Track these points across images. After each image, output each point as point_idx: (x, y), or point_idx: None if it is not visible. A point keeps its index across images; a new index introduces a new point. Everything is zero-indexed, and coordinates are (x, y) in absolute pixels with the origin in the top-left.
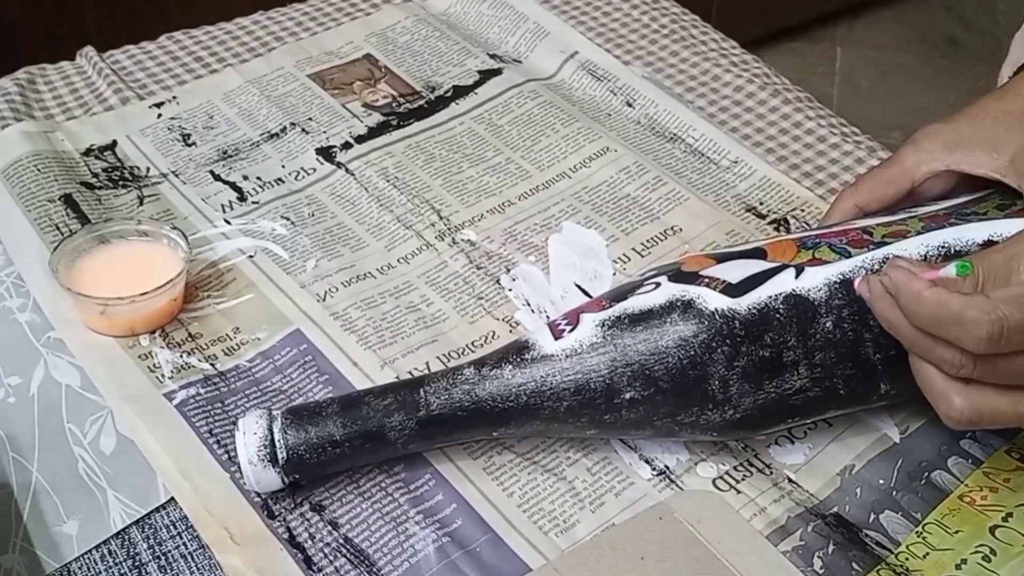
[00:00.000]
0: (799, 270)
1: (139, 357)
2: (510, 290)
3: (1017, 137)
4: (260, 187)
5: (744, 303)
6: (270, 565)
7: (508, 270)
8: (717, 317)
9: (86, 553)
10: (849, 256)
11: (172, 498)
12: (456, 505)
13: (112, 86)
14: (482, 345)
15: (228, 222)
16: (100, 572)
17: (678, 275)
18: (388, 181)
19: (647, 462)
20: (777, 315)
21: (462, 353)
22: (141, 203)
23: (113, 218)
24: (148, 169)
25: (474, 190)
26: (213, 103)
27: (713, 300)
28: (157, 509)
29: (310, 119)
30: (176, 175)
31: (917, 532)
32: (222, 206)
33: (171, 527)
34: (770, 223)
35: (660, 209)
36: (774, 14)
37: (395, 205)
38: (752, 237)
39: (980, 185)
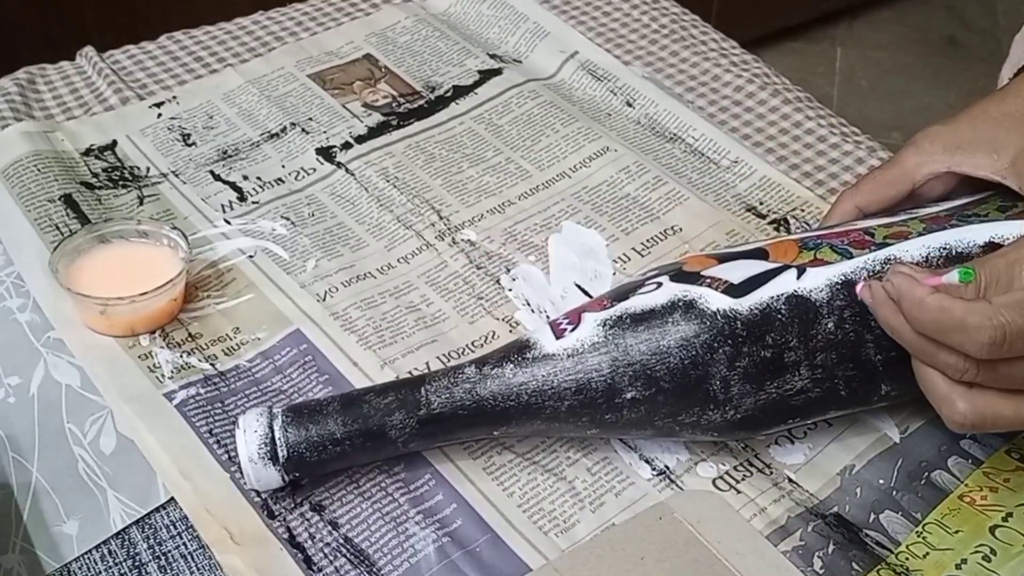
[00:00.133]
0: (801, 271)
1: (139, 357)
2: (510, 290)
3: (1018, 139)
4: (260, 187)
5: (746, 303)
6: (270, 565)
7: (508, 270)
8: (719, 317)
9: (86, 553)
10: (851, 257)
11: (172, 498)
12: (456, 505)
13: (112, 86)
14: (482, 345)
15: (228, 222)
16: (100, 572)
17: (680, 275)
18: (388, 181)
19: (647, 462)
20: (779, 316)
21: (462, 353)
22: (141, 203)
23: (113, 218)
24: (148, 169)
25: (474, 190)
26: (213, 103)
27: (715, 300)
28: (157, 509)
29: (310, 119)
30: (176, 175)
31: (917, 532)
32: (222, 206)
33: (171, 527)
34: (770, 223)
35: (660, 209)
36: (774, 14)
37: (395, 205)
38: (752, 237)
39: (981, 187)
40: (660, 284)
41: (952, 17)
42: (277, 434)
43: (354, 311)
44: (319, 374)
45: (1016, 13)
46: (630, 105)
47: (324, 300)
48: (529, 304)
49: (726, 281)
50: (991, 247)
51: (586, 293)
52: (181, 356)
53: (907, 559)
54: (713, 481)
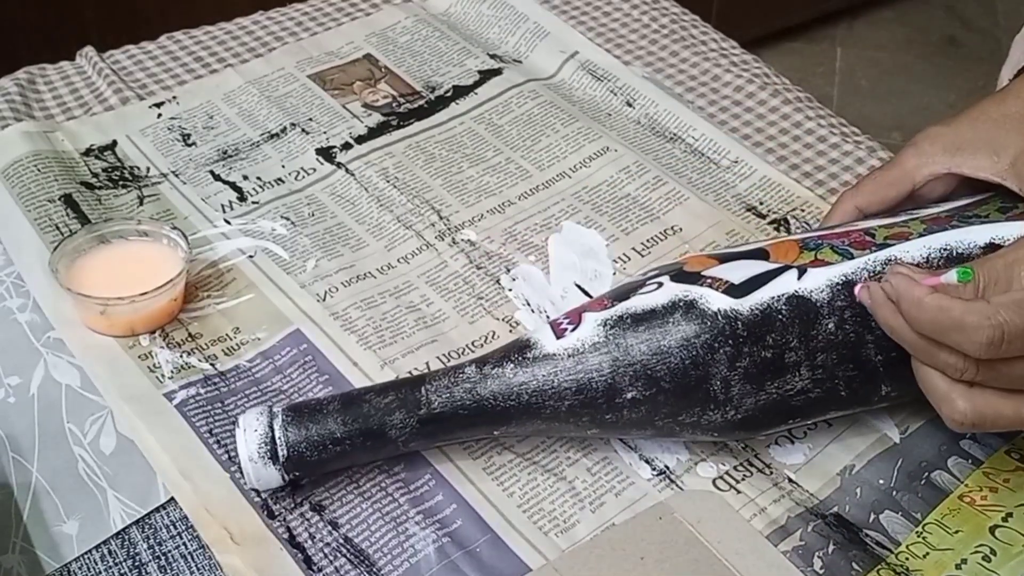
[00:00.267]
0: (801, 271)
1: (139, 357)
2: (510, 290)
3: (1018, 140)
4: (260, 187)
5: (746, 304)
6: (270, 565)
7: (508, 270)
8: (719, 317)
9: (86, 553)
10: (851, 257)
11: (172, 498)
12: (456, 505)
13: (112, 86)
14: (482, 345)
15: (228, 222)
16: (100, 572)
17: (680, 275)
18: (388, 181)
19: (647, 462)
20: (779, 316)
21: (462, 353)
22: (141, 203)
23: (113, 218)
24: (148, 169)
25: (474, 190)
26: (213, 103)
27: (716, 300)
28: (157, 509)
29: (310, 119)
30: (176, 175)
31: (917, 532)
32: (222, 206)
33: (171, 527)
34: (770, 223)
35: (660, 209)
36: (774, 14)
37: (395, 205)
38: (752, 237)
39: (981, 188)
40: (661, 284)
41: (952, 17)
42: (277, 433)
43: (354, 311)
44: (319, 374)
45: (1016, 13)
46: (630, 105)
47: (324, 300)
48: (529, 304)
49: (727, 281)
50: (992, 248)
51: (586, 293)
52: (181, 356)
53: (907, 559)
54: (713, 481)
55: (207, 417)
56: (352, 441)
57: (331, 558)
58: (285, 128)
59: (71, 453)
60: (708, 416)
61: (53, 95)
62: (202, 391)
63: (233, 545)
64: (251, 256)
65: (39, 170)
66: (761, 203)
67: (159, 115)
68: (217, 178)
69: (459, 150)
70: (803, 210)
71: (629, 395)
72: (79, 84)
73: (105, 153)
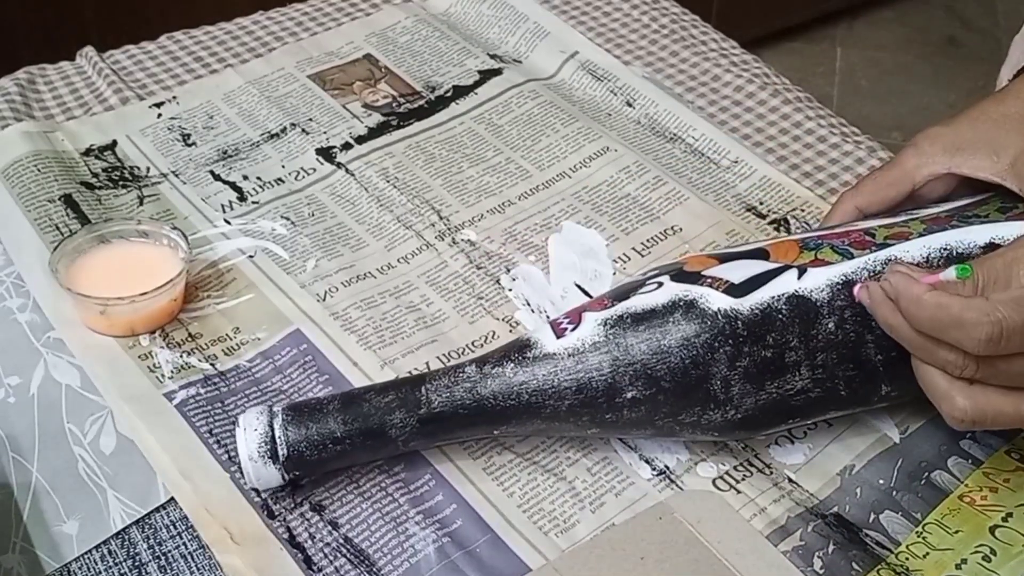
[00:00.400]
0: (801, 271)
1: (139, 357)
2: (510, 290)
3: (1017, 140)
4: (260, 187)
5: (747, 303)
6: (270, 565)
7: (508, 270)
8: (720, 317)
9: (86, 553)
10: (851, 257)
11: (172, 498)
12: (456, 505)
13: (112, 86)
14: (482, 345)
15: (228, 222)
16: (100, 572)
17: (680, 275)
18: (388, 181)
19: (647, 462)
20: (779, 316)
21: (462, 353)
22: (141, 203)
23: (113, 218)
24: (148, 169)
25: (474, 190)
26: (213, 103)
27: (716, 300)
28: (157, 509)
29: (310, 119)
30: (176, 175)
31: (917, 532)
32: (222, 206)
33: (171, 527)
34: (770, 223)
35: (660, 209)
36: (774, 14)
37: (395, 205)
38: (752, 237)
39: (981, 188)
40: (661, 284)
41: (952, 17)
42: (277, 432)
43: (354, 311)
44: (319, 374)
45: (1016, 13)
46: (630, 105)
47: (324, 300)
48: (529, 304)
49: (727, 281)
50: (992, 248)
51: (586, 293)
52: (181, 356)
53: (907, 559)
54: (713, 481)
55: (207, 417)
56: (352, 440)
57: (331, 558)
58: (285, 128)
59: (71, 453)
60: (708, 416)
61: (53, 95)
62: (202, 391)
63: (233, 545)
64: (251, 256)
65: (39, 170)
66: (761, 203)
67: (159, 115)
68: (217, 178)
69: (459, 150)
70: (803, 210)
71: (629, 395)
72: (79, 84)
73: (105, 153)
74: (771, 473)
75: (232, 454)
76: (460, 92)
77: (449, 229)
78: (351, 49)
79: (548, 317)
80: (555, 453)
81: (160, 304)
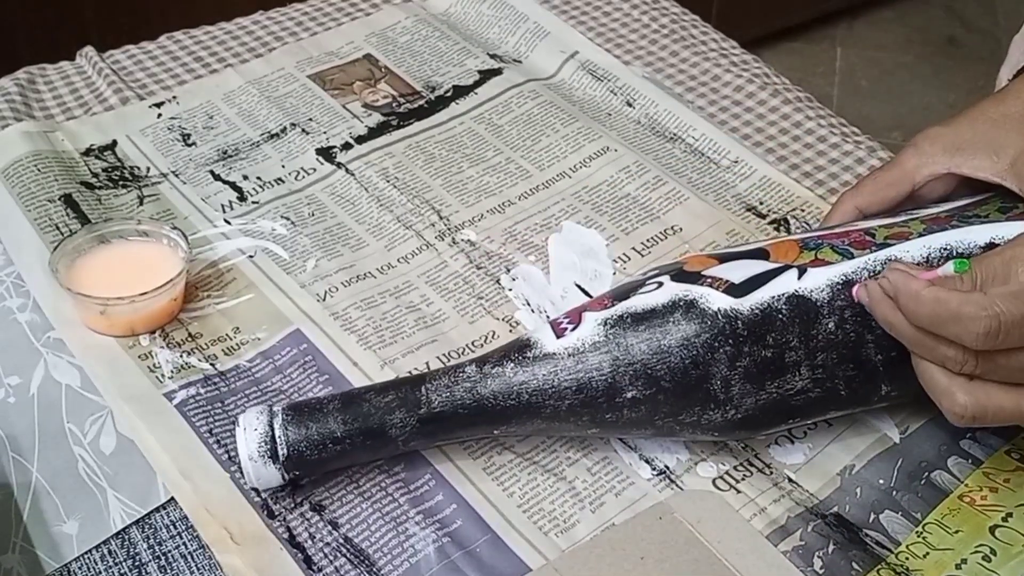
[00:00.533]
0: (802, 271)
1: (139, 357)
2: (510, 290)
3: (1017, 140)
4: (260, 187)
5: (747, 303)
6: (270, 565)
7: (508, 270)
8: (720, 317)
9: (86, 553)
10: (851, 257)
11: (172, 498)
12: (456, 505)
13: (112, 86)
14: (482, 345)
15: (228, 222)
16: (100, 572)
17: (680, 275)
18: (388, 181)
19: (647, 462)
20: (779, 316)
21: (462, 353)
22: (141, 203)
23: (113, 218)
24: (148, 169)
25: (474, 190)
26: (213, 103)
27: (716, 300)
28: (157, 509)
29: (310, 119)
30: (176, 175)
31: (917, 532)
32: (222, 206)
33: (171, 527)
34: (770, 223)
35: (660, 209)
36: (774, 14)
37: (395, 205)
38: (752, 237)
39: (981, 188)
40: (661, 284)
41: (952, 17)
42: (277, 432)
43: (354, 311)
44: (319, 374)
45: (1016, 13)
46: (630, 105)
47: (324, 300)
48: (529, 304)
49: (727, 281)
50: (992, 248)
51: (586, 293)
52: (181, 356)
53: (907, 559)
54: (713, 481)
55: (207, 417)
56: (352, 440)
57: (331, 558)
58: (285, 128)
59: (71, 453)
60: (708, 416)
61: (53, 95)
62: (202, 391)
63: (233, 545)
64: (251, 256)
65: (39, 170)
66: (761, 203)
67: (159, 115)
68: (217, 178)
69: (459, 150)
70: (803, 210)
71: (629, 394)
72: (79, 84)
73: (105, 153)
74: (771, 473)
75: (232, 454)
76: (460, 92)
77: (449, 229)
78: (351, 49)
79: (548, 317)
80: (555, 453)
81: (160, 304)
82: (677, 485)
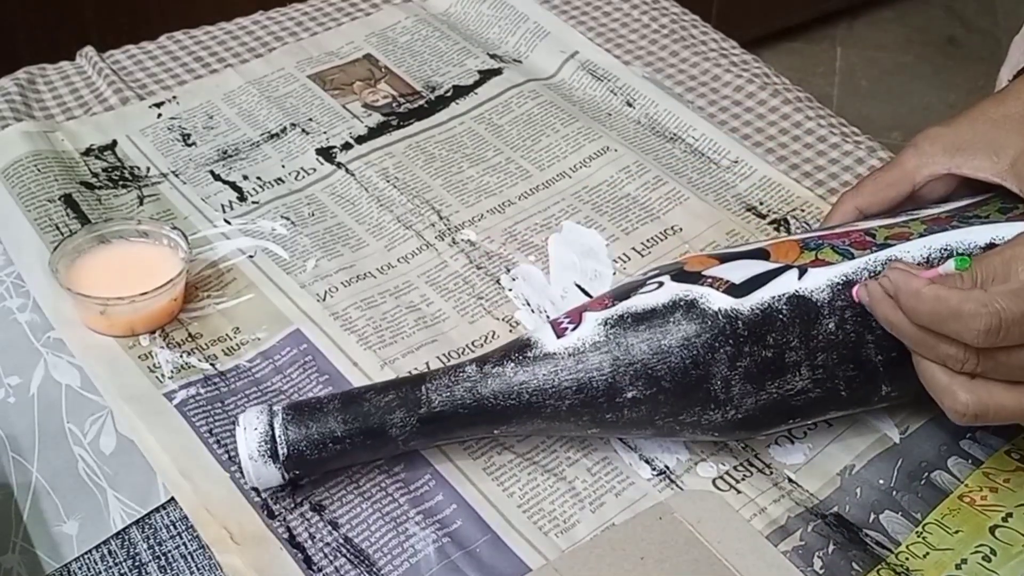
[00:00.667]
0: (802, 271)
1: (139, 357)
2: (510, 290)
3: (1017, 140)
4: (260, 187)
5: (747, 303)
6: (270, 565)
7: (508, 270)
8: (720, 317)
9: (86, 553)
10: (852, 257)
11: (172, 498)
12: (456, 505)
13: (112, 86)
14: (482, 345)
15: (228, 222)
16: (100, 572)
17: (681, 275)
18: (388, 181)
19: (647, 462)
20: (780, 316)
21: (462, 353)
22: (141, 203)
23: (113, 218)
24: (148, 169)
25: (474, 190)
26: (213, 103)
27: (716, 300)
28: (157, 509)
29: (310, 119)
30: (176, 175)
31: (917, 532)
32: (222, 206)
33: (171, 527)
34: (770, 223)
35: (660, 209)
36: (774, 14)
37: (395, 205)
38: (752, 237)
39: (981, 188)
40: (661, 284)
41: (952, 17)
42: (277, 432)
43: (354, 311)
44: (319, 374)
45: (1016, 13)
46: (630, 105)
47: (324, 300)
48: (529, 304)
49: (727, 281)
50: (992, 248)
51: (586, 293)
52: (181, 356)
53: (907, 559)
54: (713, 481)
55: (207, 417)
56: (352, 440)
57: (331, 558)
58: (285, 128)
59: (71, 453)
60: (708, 416)
61: (53, 95)
62: (202, 391)
63: (233, 545)
64: (251, 256)
65: (39, 170)
66: (761, 203)
67: (159, 115)
68: (217, 178)
69: (459, 150)
70: (803, 210)
71: (629, 394)
72: (79, 84)
73: (105, 153)
74: (771, 473)
75: (232, 454)
76: (460, 92)
77: (449, 229)
78: (351, 49)
79: (548, 317)
80: (555, 453)
81: (160, 304)
82: (677, 485)
